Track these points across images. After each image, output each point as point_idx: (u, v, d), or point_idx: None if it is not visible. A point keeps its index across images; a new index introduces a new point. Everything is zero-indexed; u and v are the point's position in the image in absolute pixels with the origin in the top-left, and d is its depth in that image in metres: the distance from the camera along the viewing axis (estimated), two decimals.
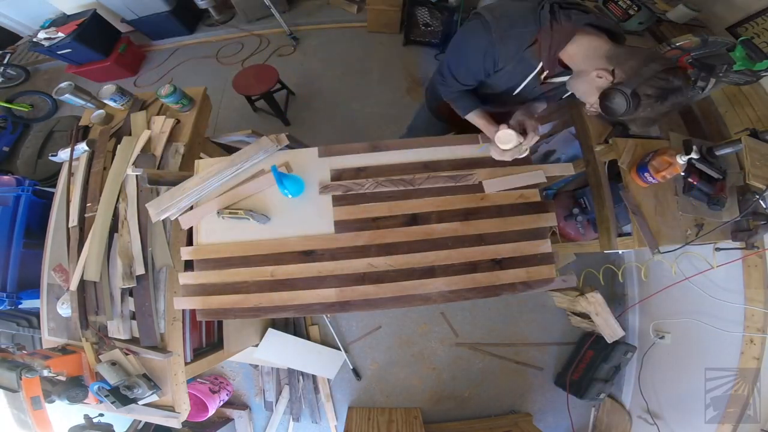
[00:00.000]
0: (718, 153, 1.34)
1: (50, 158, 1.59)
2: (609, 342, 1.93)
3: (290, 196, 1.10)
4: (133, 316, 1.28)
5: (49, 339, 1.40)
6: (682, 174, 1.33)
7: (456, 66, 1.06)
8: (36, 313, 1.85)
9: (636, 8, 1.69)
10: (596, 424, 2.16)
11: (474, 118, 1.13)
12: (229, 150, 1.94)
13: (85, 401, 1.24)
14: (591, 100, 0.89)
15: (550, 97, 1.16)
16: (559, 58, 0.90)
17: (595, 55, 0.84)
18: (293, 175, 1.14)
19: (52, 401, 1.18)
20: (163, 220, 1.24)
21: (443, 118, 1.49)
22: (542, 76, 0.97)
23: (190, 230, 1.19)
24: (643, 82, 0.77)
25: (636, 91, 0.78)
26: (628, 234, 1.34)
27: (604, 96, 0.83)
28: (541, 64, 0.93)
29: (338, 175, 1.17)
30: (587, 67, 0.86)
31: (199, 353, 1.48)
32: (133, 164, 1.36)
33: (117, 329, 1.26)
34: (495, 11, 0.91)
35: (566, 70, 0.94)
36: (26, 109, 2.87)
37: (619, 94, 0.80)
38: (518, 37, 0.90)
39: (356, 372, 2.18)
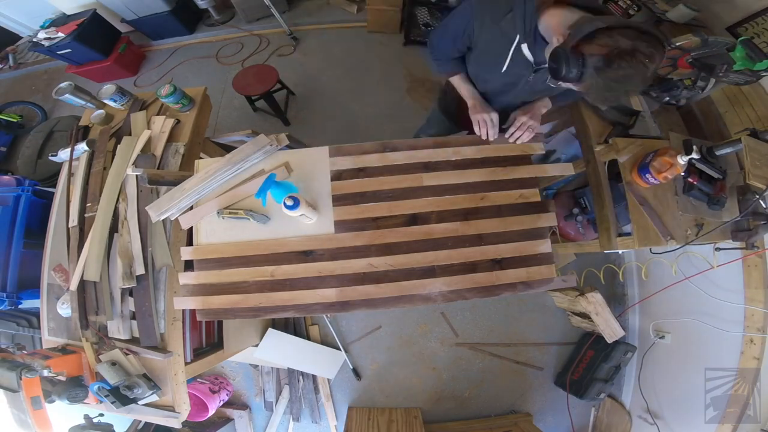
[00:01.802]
0: (718, 153, 1.34)
1: (50, 158, 1.59)
2: (609, 342, 1.93)
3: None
4: (133, 316, 1.28)
5: (49, 339, 1.40)
6: (682, 174, 1.34)
7: (443, 31, 1.10)
8: (36, 313, 1.85)
9: (636, 8, 1.69)
10: (596, 424, 2.16)
11: (457, 80, 1.20)
12: (229, 150, 1.93)
13: (85, 401, 1.24)
14: None
15: (551, 90, 1.15)
16: (540, 33, 0.90)
17: (564, 25, 0.82)
18: (285, 183, 1.10)
19: (52, 401, 1.18)
20: (163, 220, 1.24)
21: (452, 117, 1.53)
22: (533, 62, 0.98)
23: (190, 230, 1.19)
24: (584, 40, 0.72)
25: (579, 49, 0.73)
26: (628, 234, 1.34)
27: (550, 57, 0.80)
28: (518, 36, 0.93)
29: (338, 175, 1.17)
30: (553, 36, 0.85)
31: (199, 353, 1.48)
32: (133, 164, 1.36)
33: (117, 329, 1.26)
34: None
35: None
36: (15, 120, 2.87)
37: (562, 52, 0.75)
38: (494, 3, 0.93)
39: (356, 372, 2.18)
